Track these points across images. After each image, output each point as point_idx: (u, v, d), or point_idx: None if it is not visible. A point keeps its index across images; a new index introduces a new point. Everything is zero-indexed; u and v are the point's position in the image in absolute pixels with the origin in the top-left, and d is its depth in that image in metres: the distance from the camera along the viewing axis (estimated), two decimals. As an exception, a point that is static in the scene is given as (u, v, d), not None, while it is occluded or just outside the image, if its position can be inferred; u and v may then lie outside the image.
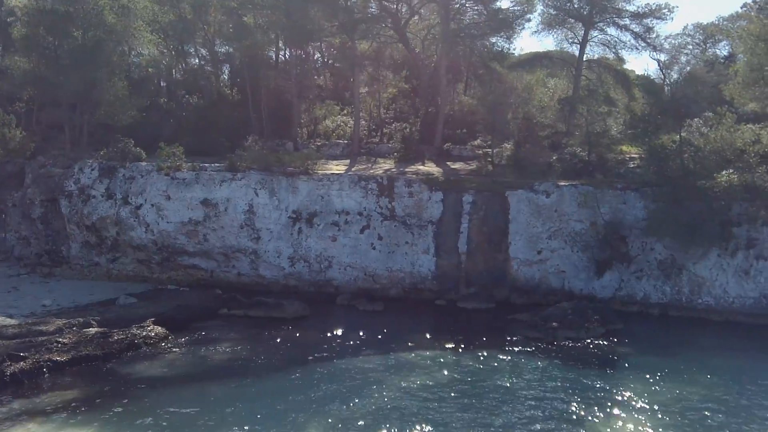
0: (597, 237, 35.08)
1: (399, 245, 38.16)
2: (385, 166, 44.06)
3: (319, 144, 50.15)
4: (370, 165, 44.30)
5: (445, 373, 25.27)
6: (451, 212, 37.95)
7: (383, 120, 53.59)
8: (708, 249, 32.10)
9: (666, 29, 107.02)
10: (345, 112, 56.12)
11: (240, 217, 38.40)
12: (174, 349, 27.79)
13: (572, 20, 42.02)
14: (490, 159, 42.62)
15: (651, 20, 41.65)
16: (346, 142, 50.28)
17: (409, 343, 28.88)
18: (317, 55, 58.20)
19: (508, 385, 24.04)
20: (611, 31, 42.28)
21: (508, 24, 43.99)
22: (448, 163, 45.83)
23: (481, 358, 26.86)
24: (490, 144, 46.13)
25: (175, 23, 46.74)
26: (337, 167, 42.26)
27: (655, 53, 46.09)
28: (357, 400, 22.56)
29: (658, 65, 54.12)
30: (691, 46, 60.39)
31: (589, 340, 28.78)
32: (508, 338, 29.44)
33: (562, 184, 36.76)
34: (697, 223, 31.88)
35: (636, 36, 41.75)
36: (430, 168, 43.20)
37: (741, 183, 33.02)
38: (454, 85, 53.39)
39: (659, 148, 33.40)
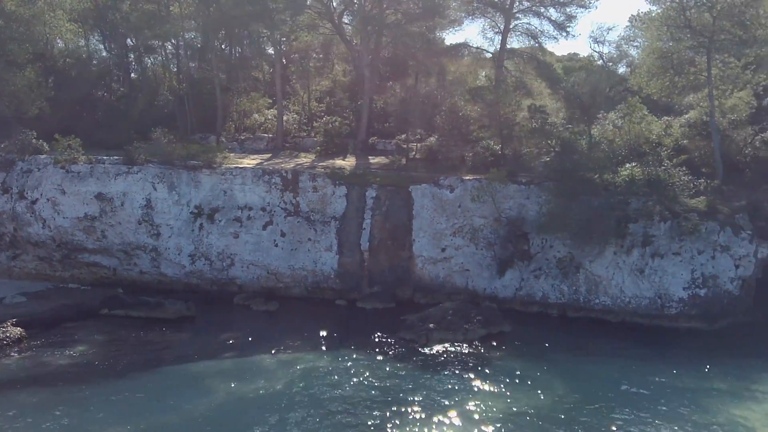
0: (499, 234, 33.48)
1: (302, 242, 36.68)
2: (303, 160, 42.62)
3: (243, 138, 48.66)
4: (287, 159, 42.80)
5: (289, 377, 24.06)
6: (354, 207, 36.42)
7: (313, 113, 51.98)
8: (604, 246, 30.52)
9: (616, 21, 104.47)
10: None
11: (137, 213, 36.93)
12: (23, 353, 26.35)
13: (492, 10, 40.30)
14: (413, 153, 41.10)
15: (574, 8, 39.95)
16: (271, 136, 48.75)
17: (280, 346, 27.64)
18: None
19: (340, 389, 22.66)
20: (532, 20, 40.61)
21: (434, 11, 42.23)
22: (370, 157, 44.36)
23: (340, 360, 25.61)
24: (417, 137, 44.68)
25: (88, 12, 45.11)
26: (248, 161, 40.68)
27: (597, 45, 44.56)
28: (187, 406, 21.19)
29: (600, 57, 52.70)
30: (641, 39, 58.58)
31: (464, 344, 27.18)
32: (382, 340, 27.96)
33: (467, 178, 35.16)
34: (594, 219, 30.27)
35: (557, 26, 40.05)
36: (347, 162, 41.71)
37: (645, 177, 31.40)
38: (401, 79, 51.61)
39: (564, 141, 31.72)
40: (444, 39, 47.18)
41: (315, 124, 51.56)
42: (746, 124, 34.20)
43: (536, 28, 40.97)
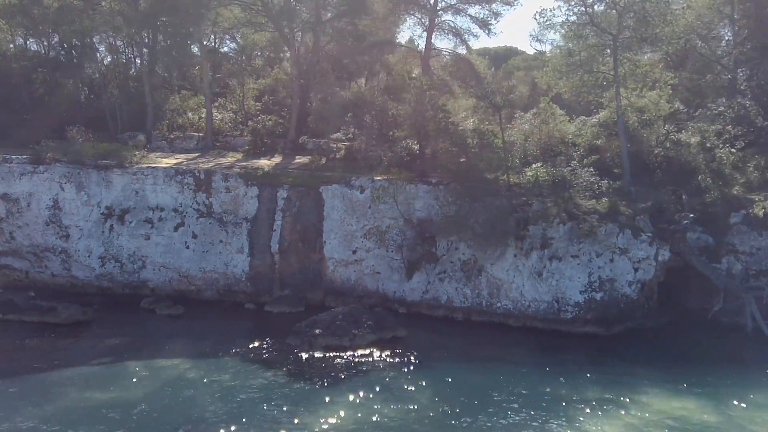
0: (407, 236, 32.78)
1: (213, 244, 35.91)
2: (228, 159, 41.76)
3: (173, 137, 47.69)
4: (211, 158, 41.92)
5: (155, 384, 23.47)
6: (265, 209, 35.64)
7: (247, 113, 51.01)
8: (505, 249, 29.83)
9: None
10: (217, 103, 53.55)
11: (44, 214, 36.10)
12: None
13: (415, 7, 39.55)
14: (335, 153, 40.34)
15: (498, 5, 39.21)
16: (201, 135, 47.80)
17: (162, 352, 26.99)
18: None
19: (199, 398, 21.94)
20: (454, 18, 39.87)
21: (360, 9, 41.46)
22: (298, 156, 43.53)
23: (216, 367, 25.16)
24: (350, 137, 43.91)
25: (13, 8, 44.04)
26: (168, 161, 39.78)
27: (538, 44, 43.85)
28: (19, 416, 20.33)
29: (540, 56, 52.02)
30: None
31: (350, 350, 26.48)
32: (269, 347, 27.23)
33: (378, 179, 34.42)
34: (496, 221, 29.62)
35: (479, 23, 39.31)
36: (269, 162, 40.92)
37: (550, 177, 30.77)
38: (349, 78, 50.82)
39: (459, 141, 31.01)
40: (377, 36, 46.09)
41: (250, 123, 50.72)
42: (659, 124, 33.54)
43: (460, 26, 40.23)
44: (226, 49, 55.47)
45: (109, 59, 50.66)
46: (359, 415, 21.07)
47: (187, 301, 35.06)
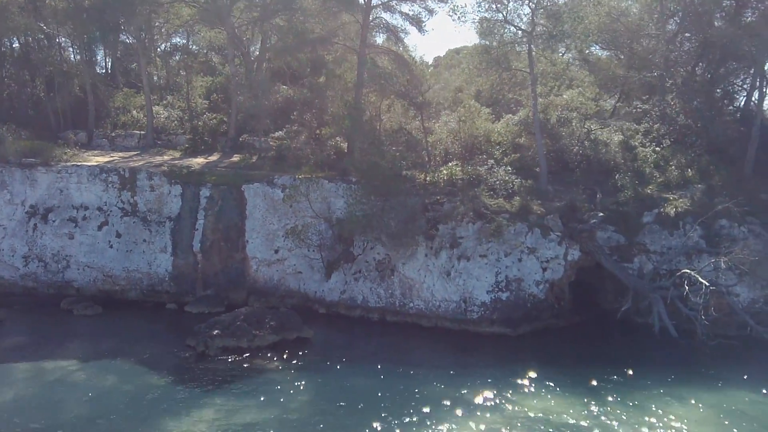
0: (325, 235, 32.45)
1: (137, 243, 35.54)
2: (165, 158, 41.34)
3: (113, 135, 47.25)
4: (148, 157, 41.52)
5: (35, 386, 23.06)
6: (188, 207, 35.29)
7: (193, 111, 50.50)
8: (416, 249, 29.50)
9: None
10: (165, 102, 53.09)
11: (-35, 213, 35.58)
12: None
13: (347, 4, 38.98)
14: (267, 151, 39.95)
15: (432, 2, 38.70)
16: (143, 133, 47.34)
17: (60, 353, 26.47)
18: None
19: (78, 401, 21.59)
20: (387, 15, 39.38)
21: (290, 5, 41.09)
22: (236, 155, 43.11)
23: (106, 370, 24.79)
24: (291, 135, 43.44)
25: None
26: (99, 159, 39.38)
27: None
28: None
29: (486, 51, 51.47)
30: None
31: (248, 351, 26.14)
32: (168, 348, 26.87)
33: (301, 177, 34.02)
34: (408, 220, 29.31)
35: (412, 21, 38.83)
36: (205, 160, 40.54)
37: (465, 176, 30.45)
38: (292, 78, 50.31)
39: (372, 138, 30.66)
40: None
41: (196, 121, 50.27)
42: (579, 122, 33.22)
43: (394, 23, 39.73)
44: (172, 44, 54.64)
45: (58, 56, 50.21)
46: (233, 417, 20.77)
47: (112, 301, 34.72)
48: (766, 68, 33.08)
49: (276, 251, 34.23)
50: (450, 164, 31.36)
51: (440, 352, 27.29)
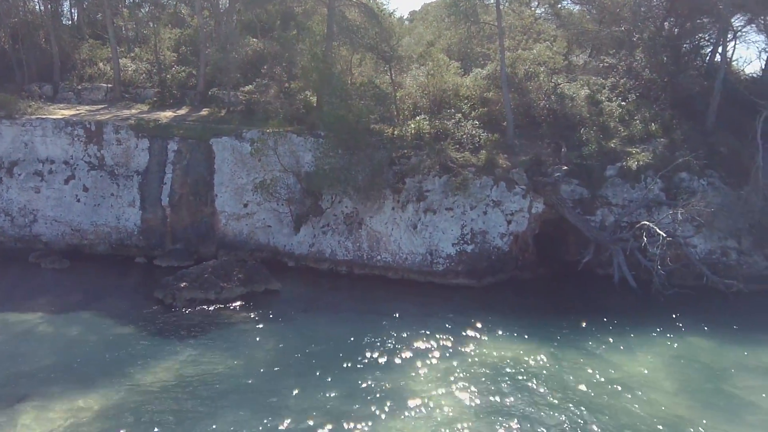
0: (294, 189, 32.52)
1: (105, 197, 35.31)
2: (132, 111, 40.74)
3: (80, 88, 46.33)
4: (114, 110, 40.86)
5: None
6: (156, 161, 35.03)
7: (162, 64, 49.57)
8: (383, 202, 29.75)
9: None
10: (133, 54, 51.99)
11: (-70, 167, 34.96)
12: None
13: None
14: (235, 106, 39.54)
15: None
16: (110, 86, 46.49)
17: (21, 306, 26.32)
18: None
19: (37, 353, 21.76)
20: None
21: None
22: (205, 109, 42.62)
23: (71, 321, 24.77)
24: (262, 89, 42.96)
25: None
26: (66, 112, 38.74)
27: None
28: None
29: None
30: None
31: (217, 303, 26.45)
32: (136, 300, 27.05)
33: (269, 131, 33.86)
34: (375, 173, 29.48)
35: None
36: (173, 114, 40.05)
37: (433, 130, 30.56)
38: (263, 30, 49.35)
39: (339, 90, 30.51)
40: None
41: (163, 75, 49.42)
42: (546, 76, 33.33)
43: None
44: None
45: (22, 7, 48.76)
46: (197, 366, 21.14)
47: (81, 255, 34.60)
48: (732, 22, 33.31)
49: (245, 205, 34.27)
50: (418, 118, 31.39)
51: (406, 303, 27.78)
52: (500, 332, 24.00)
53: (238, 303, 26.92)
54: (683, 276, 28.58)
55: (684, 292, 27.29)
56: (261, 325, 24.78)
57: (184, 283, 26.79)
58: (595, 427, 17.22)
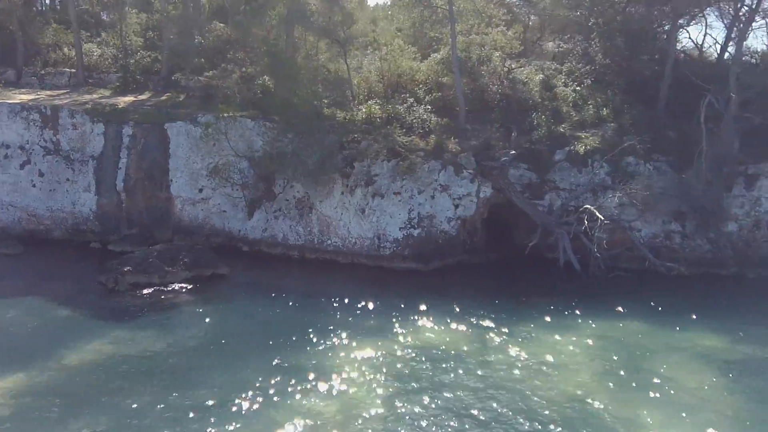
0: (247, 174, 32.50)
1: (61, 182, 35.22)
2: (93, 96, 40.56)
3: (43, 73, 46.09)
4: (76, 95, 40.68)
5: None
6: (111, 146, 34.94)
7: (127, 49, 49.26)
8: (333, 187, 29.78)
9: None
10: (100, 39, 51.64)
11: None
12: None
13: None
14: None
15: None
16: (74, 71, 46.24)
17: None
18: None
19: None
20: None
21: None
22: (168, 94, 42.45)
23: (10, 306, 24.44)
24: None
25: None
26: (25, 96, 38.52)
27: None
28: None
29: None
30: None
31: (161, 286, 26.49)
32: (78, 285, 27.09)
33: (226, 116, 33.74)
34: (326, 158, 29.49)
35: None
36: (135, 98, 39.91)
37: (384, 114, 30.55)
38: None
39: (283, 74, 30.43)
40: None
41: (126, 60, 49.12)
42: (498, 61, 33.32)
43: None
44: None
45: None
46: (133, 346, 21.19)
47: (36, 240, 34.54)
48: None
49: (200, 190, 34.23)
50: (369, 102, 31.36)
51: (351, 286, 27.89)
52: (438, 316, 24.11)
53: (182, 287, 26.94)
54: (629, 259, 28.76)
55: (626, 275, 27.50)
56: (201, 308, 24.84)
57: (128, 268, 26.79)
58: (502, 409, 17.35)
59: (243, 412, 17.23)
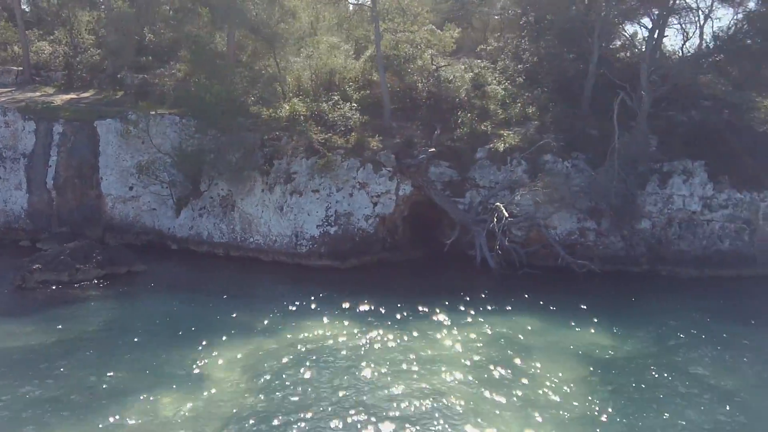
0: (173, 172, 32.42)
1: (-8, 180, 35.00)
2: (35, 94, 40.49)
3: (-12, 71, 45.90)
4: (18, 93, 40.56)
5: None
6: (42, 143, 34.85)
7: (77, 46, 49.11)
8: (253, 184, 29.74)
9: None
10: (52, 38, 51.49)
11: None
12: None
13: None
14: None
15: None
16: (21, 69, 46.09)
17: None
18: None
19: None
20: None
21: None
22: (112, 92, 42.35)
23: None
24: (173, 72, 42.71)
25: None
26: (-37, 95, 38.39)
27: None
28: None
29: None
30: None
31: (71, 285, 26.39)
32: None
33: (155, 113, 33.72)
34: (247, 155, 29.45)
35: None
36: (76, 96, 39.86)
37: (307, 112, 30.52)
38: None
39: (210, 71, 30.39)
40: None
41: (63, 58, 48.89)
42: (426, 59, 33.31)
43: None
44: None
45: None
46: (26, 342, 21.07)
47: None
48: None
49: (130, 188, 34.17)
50: (294, 100, 31.32)
51: (267, 283, 27.92)
52: (345, 312, 24.07)
53: (92, 284, 26.84)
54: (545, 256, 28.78)
55: (538, 273, 27.51)
56: (104, 305, 24.79)
57: (37, 265, 26.66)
58: (372, 402, 17.32)
59: (76, 409, 16.84)
